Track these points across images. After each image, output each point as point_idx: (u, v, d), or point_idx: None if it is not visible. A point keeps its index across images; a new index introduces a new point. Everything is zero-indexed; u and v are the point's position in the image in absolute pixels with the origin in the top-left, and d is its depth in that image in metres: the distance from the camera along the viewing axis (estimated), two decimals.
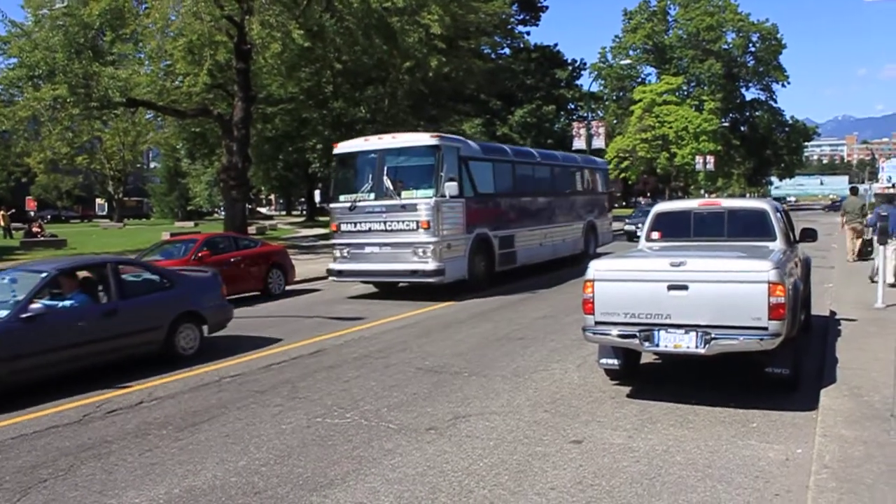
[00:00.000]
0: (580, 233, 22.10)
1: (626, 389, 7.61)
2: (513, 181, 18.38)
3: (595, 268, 7.14)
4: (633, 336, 6.80)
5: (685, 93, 71.85)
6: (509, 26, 47.75)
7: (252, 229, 39.71)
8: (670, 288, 6.70)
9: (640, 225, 29.03)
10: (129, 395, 8.32)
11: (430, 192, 14.94)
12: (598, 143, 44.93)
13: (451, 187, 14.81)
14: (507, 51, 53.10)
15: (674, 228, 8.72)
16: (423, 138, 15.80)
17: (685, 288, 6.64)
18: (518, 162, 19.03)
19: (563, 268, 19.77)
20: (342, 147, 16.78)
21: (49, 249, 31.92)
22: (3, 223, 42.85)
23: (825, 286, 13.96)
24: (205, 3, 23.82)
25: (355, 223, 15.66)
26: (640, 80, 76.91)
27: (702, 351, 6.56)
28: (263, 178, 58.23)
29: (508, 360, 9.30)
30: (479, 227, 16.23)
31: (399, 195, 15.19)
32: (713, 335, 6.49)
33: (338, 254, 16.08)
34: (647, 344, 6.79)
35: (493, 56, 48.24)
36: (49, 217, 74.11)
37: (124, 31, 25.01)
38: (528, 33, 53.82)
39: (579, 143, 44.52)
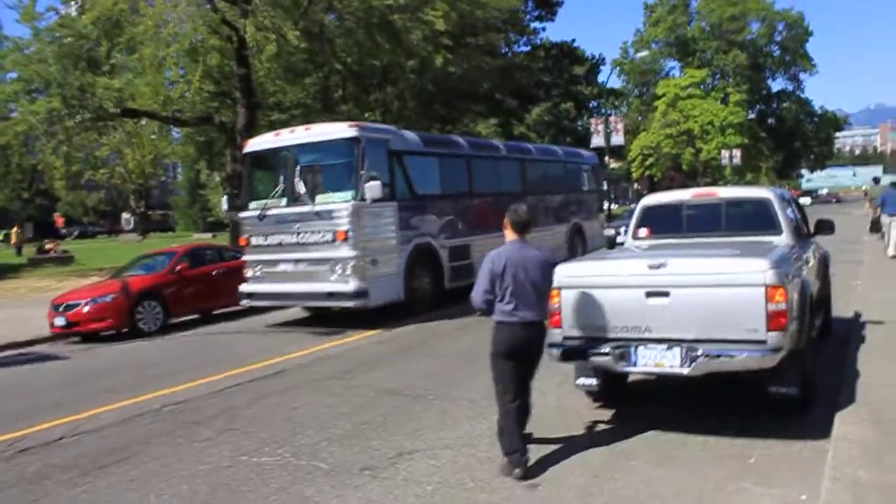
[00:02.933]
0: (563, 238, 18.99)
1: (608, 415, 6.51)
2: (468, 179, 15.54)
3: (562, 273, 6.04)
4: (606, 353, 5.71)
5: (710, 86, 70.06)
6: (523, 23, 46.54)
7: None
8: (649, 295, 5.61)
9: (621, 229, 27.51)
10: (53, 429, 7.38)
11: (349, 194, 12.18)
12: (618, 139, 43.55)
13: (372, 188, 11.98)
14: (525, 48, 51.90)
15: (664, 224, 7.60)
16: (340, 129, 12.80)
17: (666, 295, 5.54)
18: (475, 156, 16.08)
19: None
20: (251, 144, 14.14)
21: (56, 266, 31.50)
22: (14, 240, 42.62)
23: (853, 283, 12.68)
24: (198, 7, 23.15)
25: (265, 235, 13.02)
26: (663, 74, 75.25)
27: (686, 371, 5.45)
28: None
29: (481, 378, 8.20)
30: (420, 236, 13.54)
31: (312, 200, 12.55)
32: (700, 351, 5.38)
33: (249, 273, 13.39)
34: (622, 363, 5.68)
35: (508, 54, 47.08)
36: (76, 232, 74.58)
37: (119, 40, 24.31)
38: (543, 29, 52.41)
39: (598, 141, 43.21)
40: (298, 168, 12.87)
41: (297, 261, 12.63)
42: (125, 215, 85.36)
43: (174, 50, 23.58)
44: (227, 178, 27.81)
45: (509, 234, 5.49)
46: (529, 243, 5.48)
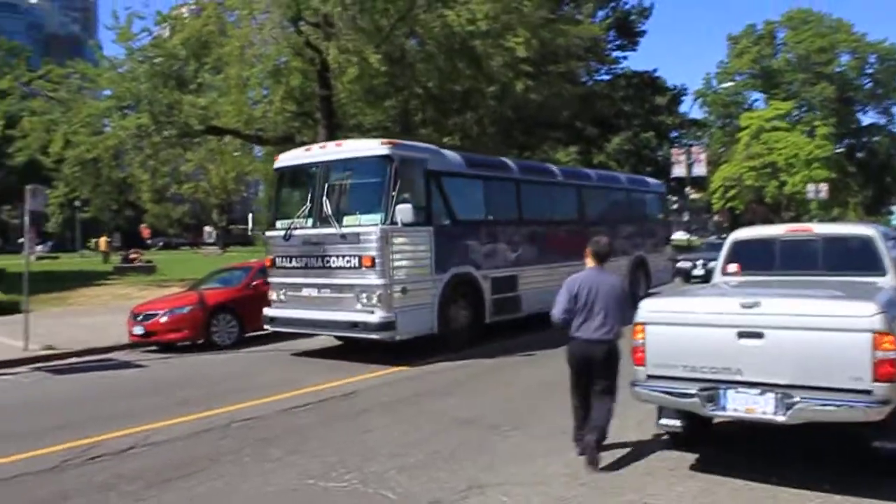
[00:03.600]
0: (624, 270, 17.20)
1: (691, 459, 6.15)
2: (517, 205, 14.40)
3: (647, 308, 5.77)
4: (693, 395, 5.39)
5: (795, 118, 68.08)
6: (605, 51, 46.15)
7: None
8: (741, 335, 5.28)
9: (698, 262, 25.87)
10: (125, 438, 7.42)
11: (378, 217, 11.18)
12: (700, 170, 42.65)
13: (404, 211, 10.95)
14: (606, 77, 51.45)
15: (755, 260, 7.22)
16: (372, 146, 11.89)
17: (760, 336, 5.20)
18: (526, 181, 14.83)
19: None
20: (282, 159, 13.38)
21: (139, 276, 32.46)
22: (104, 248, 44.27)
23: None
24: (283, 30, 23.67)
25: (291, 257, 12.24)
26: (746, 105, 73.53)
27: (781, 419, 5.09)
28: None
29: (558, 412, 7.92)
30: (459, 264, 12.43)
31: (339, 221, 11.56)
32: (797, 399, 5.02)
33: (274, 296, 12.61)
34: (710, 406, 5.36)
35: (589, 82, 46.75)
36: (161, 243, 77.25)
37: (207, 60, 25.07)
38: (624, 58, 51.93)
39: (679, 171, 42.46)
40: (327, 186, 11.96)
41: (322, 286, 11.74)
42: (207, 229, 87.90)
43: (258, 70, 24.12)
44: None
45: (589, 262, 6.35)
46: (606, 270, 6.31)
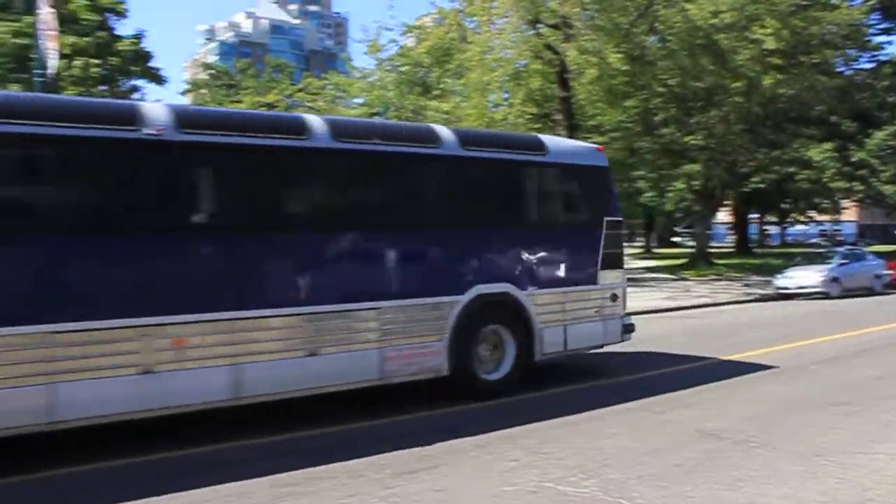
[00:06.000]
0: (433, 331, 8.65)
1: None
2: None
3: None
4: None
5: None
6: (866, 37, 41.87)
7: None
8: None
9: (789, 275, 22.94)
10: (421, 419, 8.08)
11: None
12: None
13: None
14: (868, 65, 46.75)
15: None
16: None
17: None
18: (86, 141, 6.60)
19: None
20: None
21: None
22: None
23: None
24: (523, 34, 24.15)
25: None
26: None
27: None
28: None
29: (815, 432, 7.37)
30: None
31: None
32: None
33: None
34: None
35: (846, 72, 42.82)
36: None
37: (449, 66, 26.25)
38: (889, 43, 47.26)
39: None
40: None
41: None
42: None
43: (498, 74, 24.81)
44: None
45: None
46: None
